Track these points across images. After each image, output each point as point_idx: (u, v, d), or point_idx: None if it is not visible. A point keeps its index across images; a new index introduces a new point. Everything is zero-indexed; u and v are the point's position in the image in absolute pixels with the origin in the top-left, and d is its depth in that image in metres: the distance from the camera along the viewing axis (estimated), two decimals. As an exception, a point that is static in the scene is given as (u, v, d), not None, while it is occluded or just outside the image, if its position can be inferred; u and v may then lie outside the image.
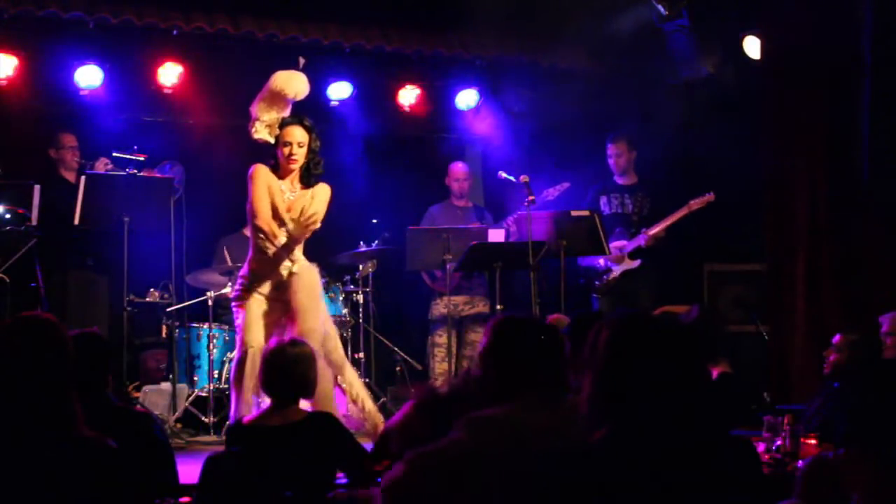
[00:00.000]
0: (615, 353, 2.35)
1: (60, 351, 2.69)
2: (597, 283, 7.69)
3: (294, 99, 5.51)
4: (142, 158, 6.96)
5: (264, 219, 5.46)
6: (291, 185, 5.57)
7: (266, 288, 5.54)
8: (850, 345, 5.28)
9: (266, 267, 5.52)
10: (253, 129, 5.48)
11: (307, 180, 5.57)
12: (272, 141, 5.50)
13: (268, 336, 5.41)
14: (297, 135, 5.51)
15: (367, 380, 7.45)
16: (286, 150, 5.49)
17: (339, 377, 5.63)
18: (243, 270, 5.61)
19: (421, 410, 3.04)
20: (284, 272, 5.51)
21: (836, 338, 5.37)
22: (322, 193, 5.57)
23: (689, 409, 2.34)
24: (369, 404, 5.72)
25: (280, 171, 5.58)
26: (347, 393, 5.66)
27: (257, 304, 5.52)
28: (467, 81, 8.58)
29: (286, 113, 5.52)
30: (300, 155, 5.51)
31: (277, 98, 5.45)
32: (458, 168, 8.16)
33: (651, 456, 2.30)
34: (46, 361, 2.65)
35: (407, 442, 2.93)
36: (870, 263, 6.55)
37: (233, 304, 5.65)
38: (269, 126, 5.47)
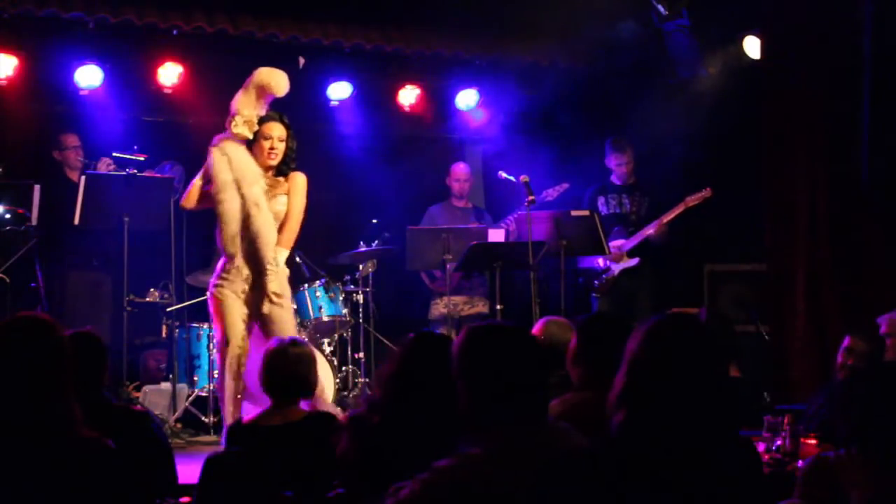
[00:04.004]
0: (652, 351, 2.38)
1: (57, 351, 2.69)
2: (596, 282, 7.68)
3: (276, 95, 5.54)
4: (142, 158, 6.97)
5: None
6: (265, 176, 5.59)
7: (240, 285, 5.50)
8: (861, 347, 5.20)
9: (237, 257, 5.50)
10: (232, 124, 5.50)
11: (281, 170, 5.60)
12: (250, 136, 5.54)
13: (245, 335, 5.44)
14: (277, 130, 5.57)
15: (366, 380, 7.45)
16: (267, 144, 5.55)
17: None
18: (219, 265, 5.58)
19: (350, 432, 3.03)
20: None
21: (847, 340, 5.26)
22: (299, 184, 5.61)
23: (707, 409, 2.36)
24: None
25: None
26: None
27: (235, 304, 5.50)
28: (467, 81, 8.58)
29: (264, 110, 5.56)
30: (280, 150, 5.57)
31: (262, 93, 5.50)
32: (460, 168, 8.16)
33: (663, 453, 2.31)
34: (44, 362, 2.64)
35: (346, 464, 2.94)
36: (870, 263, 6.54)
37: (209, 299, 5.62)
38: (248, 122, 5.50)
